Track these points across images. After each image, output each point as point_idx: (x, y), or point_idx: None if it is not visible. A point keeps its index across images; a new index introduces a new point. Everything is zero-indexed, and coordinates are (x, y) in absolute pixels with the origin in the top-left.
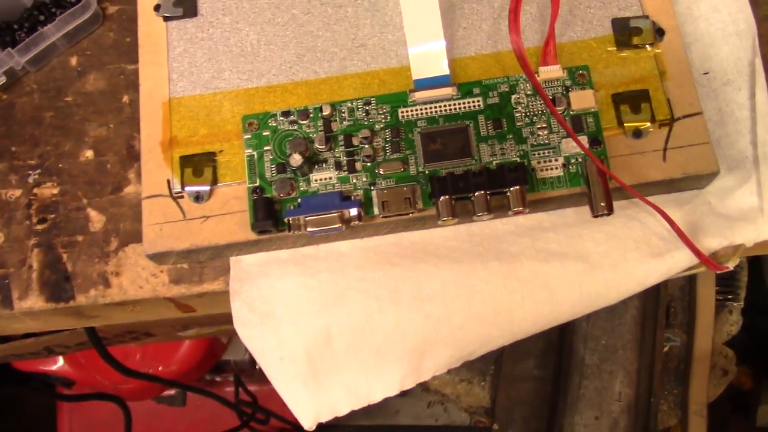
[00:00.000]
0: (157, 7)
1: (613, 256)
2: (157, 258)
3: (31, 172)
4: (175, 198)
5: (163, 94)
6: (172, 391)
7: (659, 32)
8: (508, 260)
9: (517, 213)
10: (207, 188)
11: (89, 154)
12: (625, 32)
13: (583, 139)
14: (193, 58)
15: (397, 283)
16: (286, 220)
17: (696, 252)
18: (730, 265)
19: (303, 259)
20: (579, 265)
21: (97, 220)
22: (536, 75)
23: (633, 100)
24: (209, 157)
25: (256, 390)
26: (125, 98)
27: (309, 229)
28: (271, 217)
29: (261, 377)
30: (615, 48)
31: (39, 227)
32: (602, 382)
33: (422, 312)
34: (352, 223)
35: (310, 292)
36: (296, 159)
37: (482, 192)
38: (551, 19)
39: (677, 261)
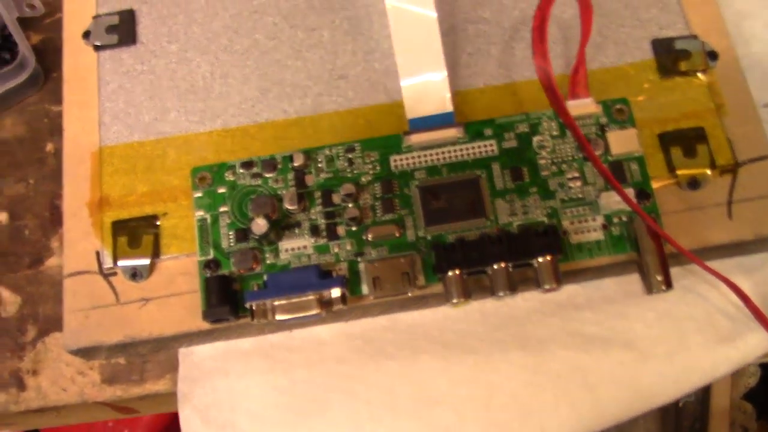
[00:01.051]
0: (86, 34)
1: (670, 342)
2: (84, 353)
3: None
4: (106, 275)
5: (93, 142)
6: None
7: (711, 55)
8: (534, 349)
9: (548, 291)
10: (147, 262)
11: (2, 217)
12: (669, 56)
13: (629, 193)
14: (130, 96)
15: (392, 382)
16: (248, 305)
17: None
18: None
19: (271, 350)
20: (626, 355)
21: (10, 302)
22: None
23: (686, 140)
24: (150, 222)
25: None
26: (49, 147)
27: (278, 317)
28: (228, 302)
29: None
30: (658, 76)
31: None
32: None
33: (426, 420)
34: (334, 308)
35: (282, 395)
36: (260, 225)
37: (502, 265)
38: (582, 41)
39: (752, 347)
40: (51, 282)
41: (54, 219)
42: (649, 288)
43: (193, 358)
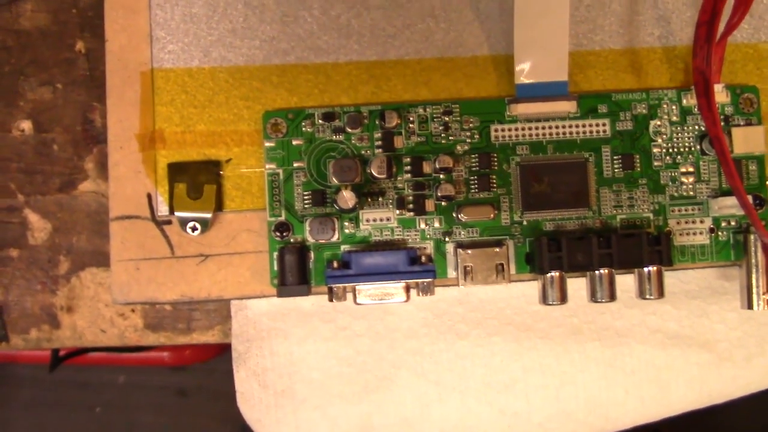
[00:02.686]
0: None
1: (749, 346)
2: (130, 304)
3: None
4: (160, 224)
5: (142, 60)
6: None
7: None
8: (612, 342)
9: (648, 299)
10: (208, 215)
11: (26, 126)
12: None
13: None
14: (188, 7)
15: (463, 363)
16: (327, 286)
17: None
18: None
19: (334, 314)
20: (703, 356)
21: (39, 228)
22: (688, 95)
23: None
24: (212, 169)
25: None
26: (79, 45)
27: (360, 301)
28: (304, 280)
29: None
30: None
31: None
32: None
33: (495, 404)
34: (420, 295)
35: (345, 366)
36: (347, 198)
37: (607, 270)
38: (730, 22)
39: None
40: (86, 210)
41: (87, 136)
42: (750, 305)
43: (247, 313)
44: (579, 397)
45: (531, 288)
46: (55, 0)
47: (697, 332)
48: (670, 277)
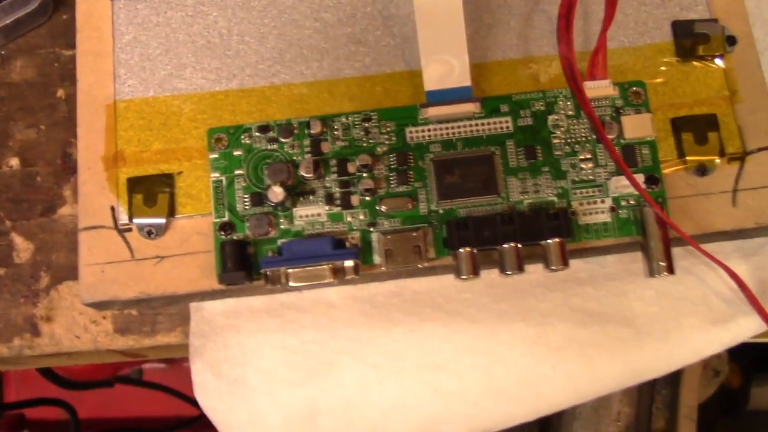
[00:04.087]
0: None
1: (665, 320)
2: (99, 306)
3: None
4: (121, 231)
5: (107, 95)
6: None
7: (730, 40)
8: (536, 321)
9: (554, 271)
10: (162, 221)
11: (14, 162)
12: (688, 39)
13: (638, 178)
14: (145, 49)
15: (398, 347)
16: (263, 271)
17: None
18: None
19: (282, 309)
20: (623, 331)
21: (23, 248)
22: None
23: (697, 127)
24: (165, 181)
25: None
26: (60, 92)
27: (292, 284)
28: (243, 267)
29: None
30: (675, 58)
31: None
32: (599, 400)
33: (430, 384)
34: (346, 276)
35: (291, 354)
36: (277, 193)
37: (513, 245)
38: (604, 24)
39: (743, 329)
40: (64, 231)
41: (66, 167)
42: (652, 272)
43: (203, 313)
44: (509, 375)
45: (461, 281)
46: (41, 56)
47: (617, 309)
48: (590, 262)
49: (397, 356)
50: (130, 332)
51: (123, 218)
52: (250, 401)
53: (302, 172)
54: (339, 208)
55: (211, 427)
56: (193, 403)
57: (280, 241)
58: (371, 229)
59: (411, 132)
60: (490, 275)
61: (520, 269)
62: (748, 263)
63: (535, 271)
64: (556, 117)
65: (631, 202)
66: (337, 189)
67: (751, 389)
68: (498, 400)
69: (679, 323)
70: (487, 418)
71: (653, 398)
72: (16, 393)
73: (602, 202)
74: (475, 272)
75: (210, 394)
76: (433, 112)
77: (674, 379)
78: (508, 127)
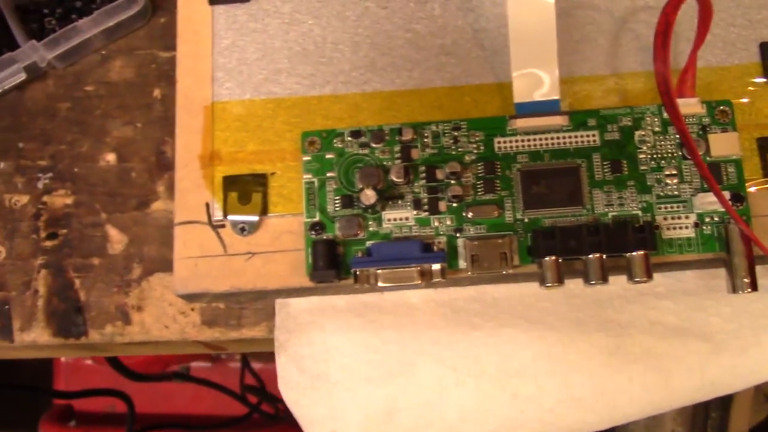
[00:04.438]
0: None
1: (744, 337)
2: (190, 298)
3: (41, 175)
4: (215, 227)
5: (205, 97)
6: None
7: None
8: (615, 332)
9: (638, 283)
10: (255, 218)
11: (111, 158)
12: None
13: (724, 195)
14: (243, 53)
15: (478, 351)
16: (353, 270)
17: None
18: None
19: (364, 309)
20: (701, 346)
21: (117, 240)
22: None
23: None
24: (259, 180)
25: (263, 369)
26: (156, 92)
27: (380, 284)
28: (333, 266)
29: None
30: (763, 79)
31: (48, 243)
32: (653, 419)
33: (508, 389)
34: (433, 279)
35: (373, 353)
36: (369, 196)
37: (597, 255)
38: (696, 43)
39: None
40: (156, 224)
41: (160, 164)
42: (735, 288)
43: (289, 309)
44: (586, 384)
45: (541, 290)
46: (139, 57)
47: (695, 324)
48: (668, 277)
49: (476, 360)
50: (216, 324)
51: (217, 215)
52: (332, 396)
53: (392, 177)
54: (426, 213)
55: (258, 426)
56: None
57: (368, 243)
58: (457, 235)
59: (499, 142)
60: (569, 285)
61: (604, 279)
62: None
63: (614, 283)
64: (643, 132)
65: (716, 218)
66: (425, 194)
67: None
68: (574, 408)
69: (757, 340)
70: (563, 425)
71: (706, 421)
72: (65, 383)
73: (687, 217)
74: (560, 281)
75: (293, 387)
76: (522, 123)
77: (725, 402)
78: (595, 141)
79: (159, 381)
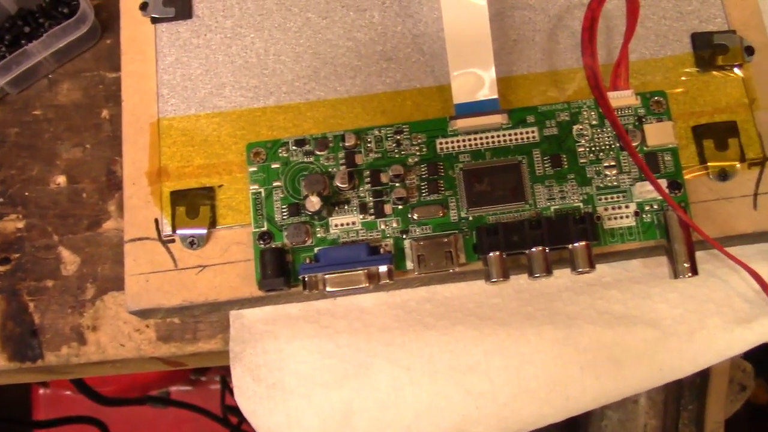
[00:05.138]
0: (143, 6)
1: (690, 321)
2: (143, 314)
3: None
4: (165, 242)
5: (151, 114)
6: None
7: (748, 50)
8: (564, 324)
9: (581, 273)
10: (203, 231)
11: (61, 180)
12: (707, 50)
13: (661, 183)
14: (186, 69)
15: (431, 350)
16: (301, 277)
17: None
18: None
19: (317, 316)
20: (649, 333)
21: (70, 261)
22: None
23: (718, 134)
24: (206, 194)
25: None
26: (104, 113)
27: (329, 289)
28: (282, 274)
29: None
30: (695, 69)
31: (1, 269)
32: (626, 413)
33: (462, 386)
34: (381, 282)
35: (327, 358)
36: (314, 202)
37: (540, 248)
38: (626, 36)
39: (767, 329)
40: (108, 244)
41: (110, 183)
42: (676, 273)
43: (243, 320)
44: (538, 377)
45: (491, 286)
46: (86, 79)
47: (642, 312)
48: (615, 267)
49: (429, 359)
50: (172, 340)
51: (167, 230)
52: (288, 404)
53: (337, 183)
54: (373, 217)
55: None
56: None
57: (316, 249)
58: (404, 236)
59: (441, 143)
60: (518, 281)
61: (548, 272)
62: None
63: (561, 275)
64: (581, 126)
65: (655, 206)
66: (370, 198)
67: None
68: (528, 401)
69: (703, 324)
70: (518, 418)
71: (680, 413)
72: (45, 412)
73: (627, 207)
74: (505, 275)
75: (250, 397)
76: (462, 123)
77: (700, 393)
78: (534, 137)
79: (133, 405)
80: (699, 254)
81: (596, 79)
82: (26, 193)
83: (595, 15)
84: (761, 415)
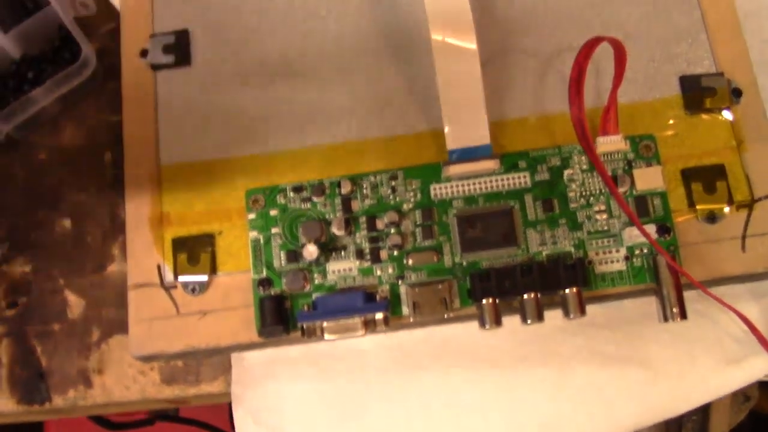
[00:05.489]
0: (143, 53)
1: (681, 362)
2: (146, 358)
3: None
4: (167, 289)
5: (152, 160)
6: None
7: (735, 92)
8: (558, 365)
9: (572, 318)
10: (204, 278)
11: (66, 223)
12: (695, 93)
13: (650, 228)
14: (186, 115)
15: (428, 391)
16: (299, 325)
17: None
18: None
19: (317, 358)
20: (641, 373)
21: (76, 304)
22: (594, 146)
23: (706, 177)
24: (207, 240)
25: None
26: (108, 156)
27: (327, 337)
28: (281, 322)
29: None
30: (684, 111)
31: (8, 313)
32: None
33: (458, 426)
34: (377, 328)
35: (326, 400)
36: (311, 251)
37: (532, 294)
38: (614, 83)
39: (756, 368)
40: (113, 287)
41: (115, 227)
42: (665, 318)
43: (244, 363)
44: (532, 417)
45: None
46: (90, 122)
47: (634, 352)
48: (607, 307)
49: (426, 400)
50: (175, 382)
51: (169, 276)
52: None
53: (334, 230)
54: (369, 263)
55: None
56: None
57: (314, 295)
58: (399, 282)
59: (435, 189)
60: (513, 321)
61: (540, 318)
62: (759, 304)
63: (555, 316)
64: (572, 171)
65: (645, 250)
66: (366, 245)
67: None
68: None
69: (694, 364)
70: None
71: (683, 424)
72: None
73: (617, 251)
74: (498, 322)
75: None
76: (455, 170)
77: (704, 405)
78: (526, 182)
79: (141, 426)
80: (689, 294)
81: (584, 131)
82: (32, 238)
83: (582, 68)
84: (766, 425)
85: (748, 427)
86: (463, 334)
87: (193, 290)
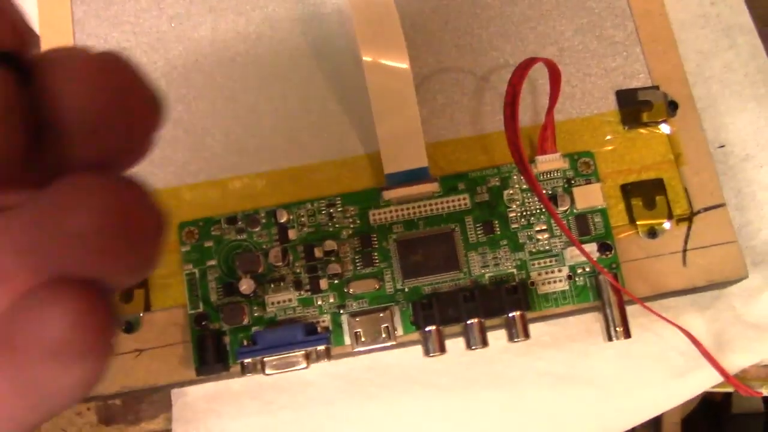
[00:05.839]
0: None
1: (627, 379)
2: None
3: None
4: None
5: None
6: None
7: (672, 105)
8: (505, 387)
9: (517, 342)
10: (138, 315)
11: None
12: (632, 107)
13: (592, 246)
14: None
15: (375, 421)
16: (239, 361)
17: (723, 374)
18: (765, 392)
19: (260, 391)
20: (589, 393)
21: None
22: (532, 166)
23: (646, 192)
24: None
25: None
26: None
27: (268, 372)
28: (220, 359)
29: None
30: (621, 127)
31: None
32: None
33: None
34: (319, 360)
35: None
36: (248, 286)
37: (476, 320)
38: (550, 103)
39: (701, 381)
40: None
41: None
42: (610, 337)
43: (185, 399)
44: None
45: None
46: None
47: (581, 371)
48: (553, 325)
49: (373, 429)
50: (114, 422)
51: None
52: None
53: (271, 260)
54: (308, 293)
55: None
56: None
57: (254, 329)
58: (341, 312)
59: (374, 214)
60: (458, 343)
61: (484, 343)
62: (703, 316)
63: (501, 336)
64: (511, 191)
65: (587, 269)
66: (305, 274)
67: (733, 396)
68: None
69: (640, 380)
70: None
71: None
72: None
73: (559, 271)
74: (442, 349)
75: None
76: (393, 194)
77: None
78: (466, 204)
79: None
80: (634, 309)
81: (520, 154)
82: None
83: (517, 90)
84: (716, 410)
85: (701, 413)
86: (409, 359)
87: (127, 328)
